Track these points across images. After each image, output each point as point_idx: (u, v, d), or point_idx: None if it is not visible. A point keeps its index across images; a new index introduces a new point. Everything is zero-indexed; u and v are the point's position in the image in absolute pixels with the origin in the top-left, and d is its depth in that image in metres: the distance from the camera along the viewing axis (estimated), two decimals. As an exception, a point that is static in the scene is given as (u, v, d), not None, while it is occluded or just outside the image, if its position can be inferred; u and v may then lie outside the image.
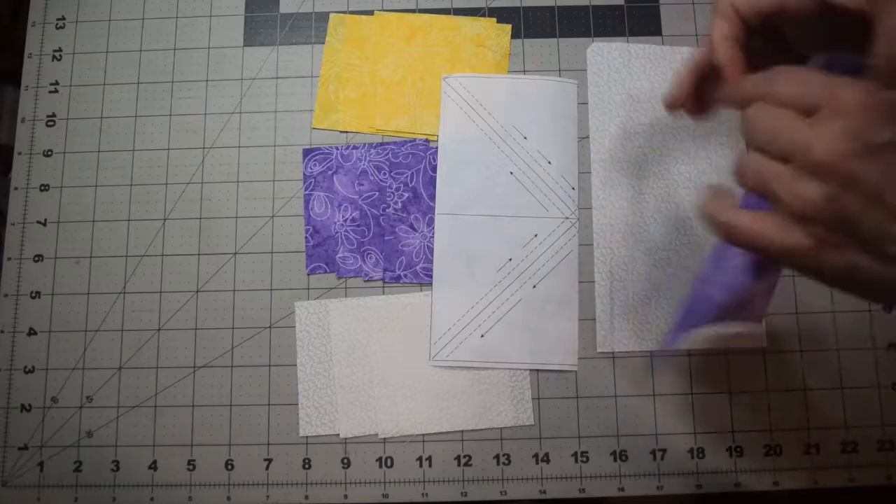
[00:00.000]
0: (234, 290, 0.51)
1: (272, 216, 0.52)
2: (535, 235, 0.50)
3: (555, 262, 0.50)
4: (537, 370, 0.49)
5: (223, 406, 0.49)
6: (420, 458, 0.48)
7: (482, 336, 0.49)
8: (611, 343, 0.49)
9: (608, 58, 0.53)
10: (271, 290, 0.51)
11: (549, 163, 0.51)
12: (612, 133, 0.52)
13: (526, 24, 0.54)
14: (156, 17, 0.55)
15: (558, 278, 0.50)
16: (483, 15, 0.54)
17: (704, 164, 0.51)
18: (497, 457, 0.48)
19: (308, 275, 0.51)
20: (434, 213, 0.51)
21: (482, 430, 0.48)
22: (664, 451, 0.48)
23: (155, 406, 0.49)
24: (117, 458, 0.49)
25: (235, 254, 0.51)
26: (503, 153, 0.51)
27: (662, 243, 0.50)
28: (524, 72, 0.53)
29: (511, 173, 0.51)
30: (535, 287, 0.49)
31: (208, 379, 0.50)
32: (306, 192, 0.52)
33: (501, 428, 0.48)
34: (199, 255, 0.51)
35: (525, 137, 0.51)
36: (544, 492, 0.48)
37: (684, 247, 0.50)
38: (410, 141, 0.52)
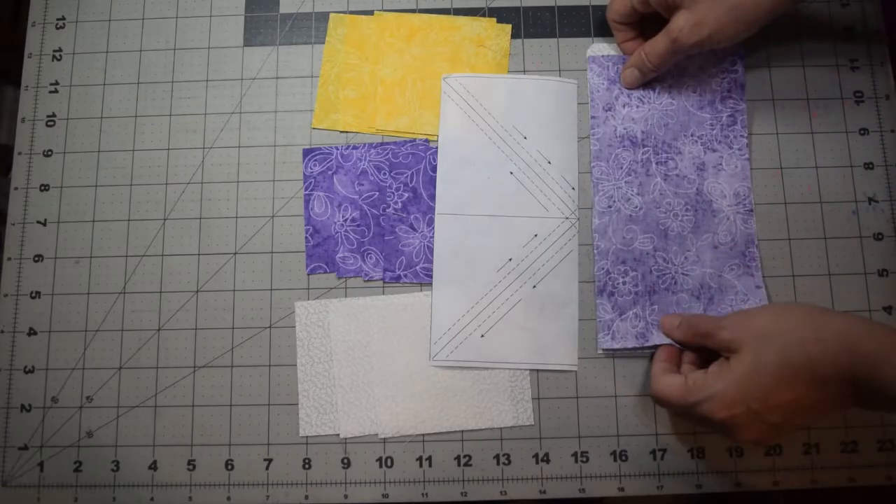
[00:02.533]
0: (234, 290, 0.51)
1: (272, 216, 0.52)
2: (535, 235, 0.50)
3: (555, 262, 0.50)
4: (537, 370, 0.49)
5: (223, 406, 0.49)
6: (420, 458, 0.48)
7: (482, 336, 0.49)
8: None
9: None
10: (271, 290, 0.51)
11: (549, 163, 0.51)
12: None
13: (526, 24, 0.54)
14: (156, 17, 0.55)
15: (558, 278, 0.50)
16: (483, 15, 0.54)
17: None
18: (497, 457, 0.48)
19: (308, 275, 0.51)
20: (434, 213, 0.51)
21: (482, 430, 0.48)
22: (664, 451, 0.48)
23: (155, 406, 0.49)
24: (117, 458, 0.49)
25: (235, 254, 0.51)
26: (503, 153, 0.51)
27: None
28: (524, 72, 0.53)
29: (511, 173, 0.51)
30: (535, 287, 0.49)
31: (208, 379, 0.50)
32: (306, 192, 0.52)
33: (501, 428, 0.49)
34: (199, 255, 0.51)
35: (525, 137, 0.51)
36: (544, 492, 0.48)
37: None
38: (410, 141, 0.52)
